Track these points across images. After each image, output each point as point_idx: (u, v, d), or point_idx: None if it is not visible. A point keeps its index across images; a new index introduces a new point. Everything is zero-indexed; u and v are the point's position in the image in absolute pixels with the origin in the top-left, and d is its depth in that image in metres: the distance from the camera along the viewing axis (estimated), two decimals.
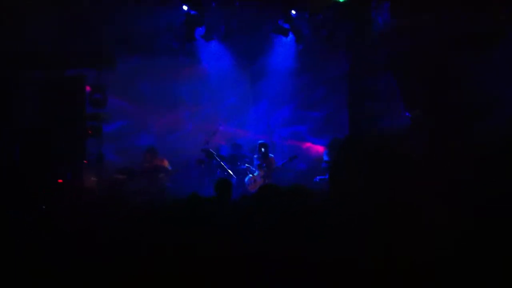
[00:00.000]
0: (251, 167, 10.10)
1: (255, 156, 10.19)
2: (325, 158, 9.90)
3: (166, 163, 9.80)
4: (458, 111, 5.94)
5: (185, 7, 9.76)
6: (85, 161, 8.69)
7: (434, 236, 2.32)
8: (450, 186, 2.66)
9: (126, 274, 2.61)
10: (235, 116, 11.81)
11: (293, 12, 10.01)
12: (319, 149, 10.88)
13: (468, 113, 5.86)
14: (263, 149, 10.11)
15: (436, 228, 2.35)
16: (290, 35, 10.21)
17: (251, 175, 10.03)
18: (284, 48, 10.75)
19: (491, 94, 5.96)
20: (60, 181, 8.01)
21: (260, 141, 10.31)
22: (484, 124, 5.35)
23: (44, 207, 7.11)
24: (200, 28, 10.10)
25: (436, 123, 6.01)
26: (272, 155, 10.26)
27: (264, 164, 10.03)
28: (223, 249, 2.44)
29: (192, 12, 9.78)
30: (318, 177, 9.39)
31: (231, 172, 10.03)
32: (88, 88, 8.65)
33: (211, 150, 10.24)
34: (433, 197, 2.56)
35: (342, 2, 9.09)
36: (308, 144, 11.42)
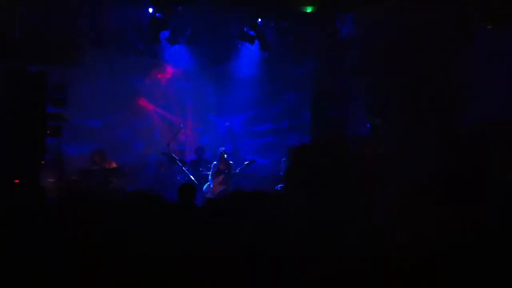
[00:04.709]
0: (210, 179, 9.98)
1: (214, 162, 10.10)
2: (283, 165, 9.89)
3: (114, 166, 9.52)
4: (428, 112, 6.15)
5: (150, 10, 9.71)
6: (42, 162, 8.35)
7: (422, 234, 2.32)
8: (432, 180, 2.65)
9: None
10: (198, 121, 11.74)
11: (259, 20, 10.15)
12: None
13: (439, 112, 6.07)
14: (225, 156, 10.06)
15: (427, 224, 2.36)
16: (256, 42, 10.31)
17: (208, 183, 9.95)
18: (249, 55, 10.82)
19: (462, 93, 6.22)
20: (16, 181, 7.65)
21: (221, 148, 10.23)
22: (456, 120, 5.57)
23: None
24: (165, 32, 10.06)
25: (405, 125, 6.20)
26: (232, 162, 10.18)
27: (226, 171, 9.97)
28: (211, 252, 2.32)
29: (158, 15, 9.74)
30: (279, 185, 9.33)
31: (192, 178, 9.91)
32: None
33: (173, 154, 10.11)
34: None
35: (308, 12, 9.30)
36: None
